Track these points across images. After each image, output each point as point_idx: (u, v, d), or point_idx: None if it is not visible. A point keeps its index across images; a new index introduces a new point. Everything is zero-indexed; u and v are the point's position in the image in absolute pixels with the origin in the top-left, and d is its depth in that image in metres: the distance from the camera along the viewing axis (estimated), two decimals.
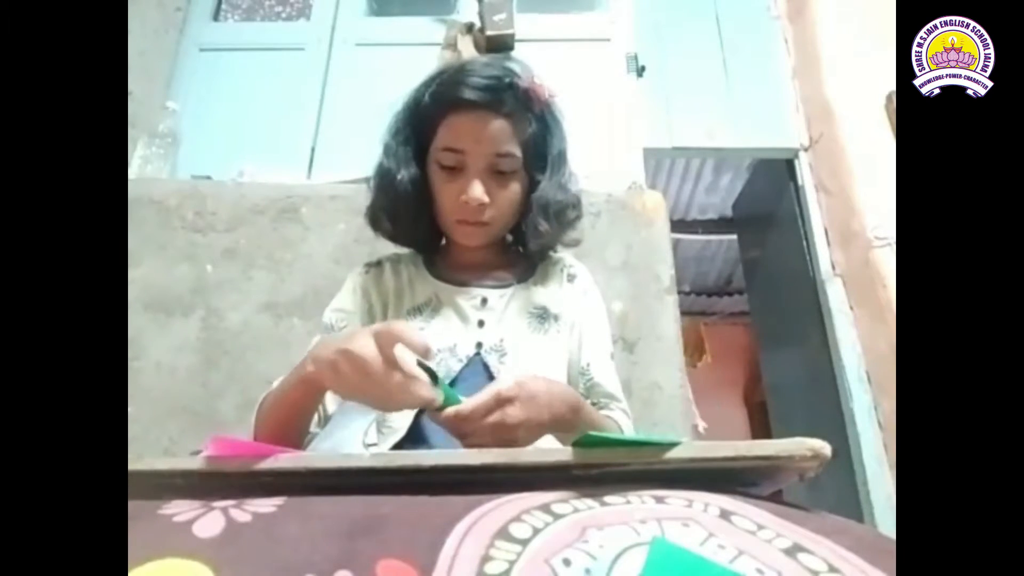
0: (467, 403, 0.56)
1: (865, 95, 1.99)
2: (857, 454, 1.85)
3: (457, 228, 0.79)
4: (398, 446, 0.68)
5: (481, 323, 0.78)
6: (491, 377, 0.73)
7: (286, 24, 2.34)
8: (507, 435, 0.56)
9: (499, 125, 0.75)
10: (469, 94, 0.74)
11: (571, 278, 0.87)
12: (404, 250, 0.90)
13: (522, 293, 0.82)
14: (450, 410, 0.55)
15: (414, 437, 0.69)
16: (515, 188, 0.79)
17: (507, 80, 0.76)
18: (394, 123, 0.83)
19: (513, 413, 0.56)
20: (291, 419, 0.66)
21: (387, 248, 0.90)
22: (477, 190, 0.75)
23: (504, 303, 0.80)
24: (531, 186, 0.82)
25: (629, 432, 0.76)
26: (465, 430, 0.56)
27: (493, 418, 0.56)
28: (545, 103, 0.80)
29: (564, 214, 0.82)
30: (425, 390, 0.53)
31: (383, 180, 0.82)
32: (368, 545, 0.30)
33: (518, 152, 0.77)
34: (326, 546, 0.30)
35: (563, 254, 0.90)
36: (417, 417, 0.70)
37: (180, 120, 1.83)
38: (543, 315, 0.81)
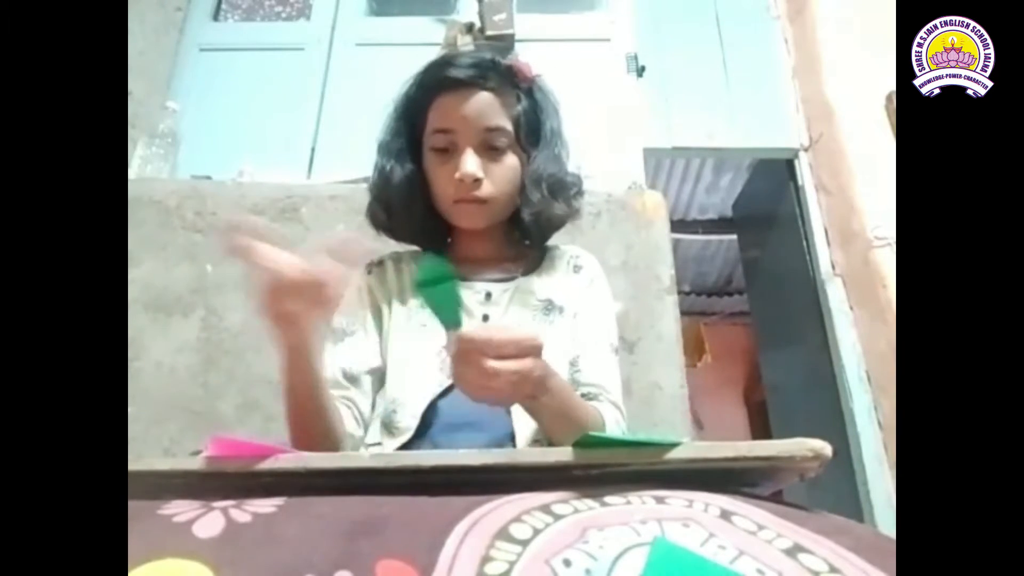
0: (495, 333, 0.53)
1: (865, 95, 1.99)
2: (857, 454, 1.85)
3: (456, 210, 0.78)
4: (404, 447, 0.68)
5: (486, 317, 0.78)
6: None
7: (286, 24, 2.34)
8: (526, 390, 0.55)
9: (486, 99, 0.76)
10: (454, 72, 0.76)
11: (577, 269, 0.85)
12: (405, 248, 0.89)
13: (526, 286, 0.81)
14: (480, 332, 0.53)
15: (420, 433, 0.69)
16: (510, 163, 0.78)
17: (489, 58, 0.79)
18: (387, 121, 0.84)
19: (537, 365, 0.54)
20: (302, 406, 0.63)
21: (387, 248, 0.90)
22: (471, 163, 0.75)
23: (508, 297, 0.80)
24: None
25: (611, 423, 0.74)
26: (488, 354, 0.52)
27: (518, 366, 0.53)
28: (531, 79, 0.81)
29: (560, 187, 0.81)
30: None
31: (377, 176, 0.83)
32: (368, 545, 0.30)
33: (508, 126, 0.77)
34: (326, 546, 0.30)
35: (571, 246, 0.89)
36: (424, 417, 0.70)
37: (180, 120, 1.83)
38: (548, 307, 0.80)
